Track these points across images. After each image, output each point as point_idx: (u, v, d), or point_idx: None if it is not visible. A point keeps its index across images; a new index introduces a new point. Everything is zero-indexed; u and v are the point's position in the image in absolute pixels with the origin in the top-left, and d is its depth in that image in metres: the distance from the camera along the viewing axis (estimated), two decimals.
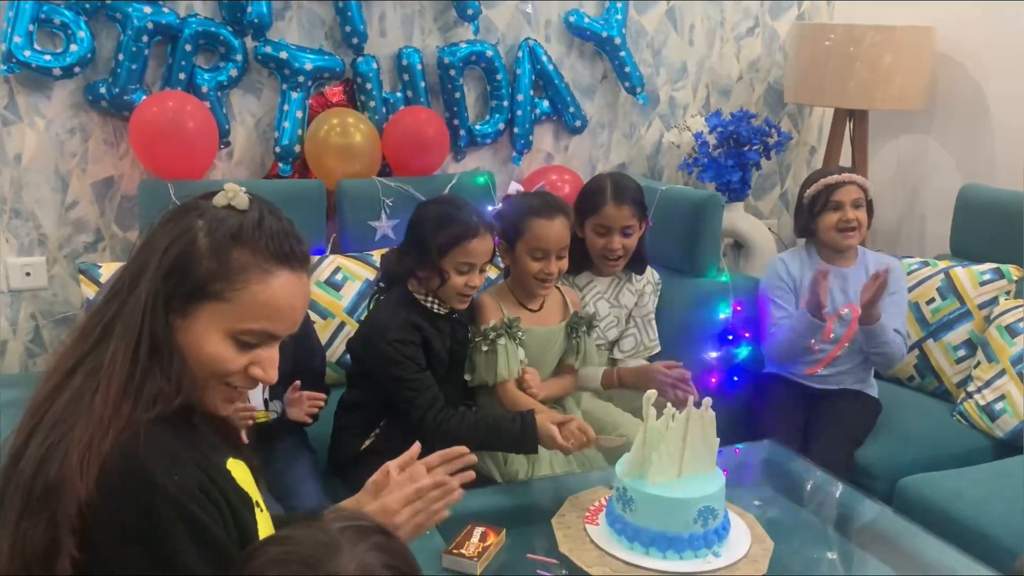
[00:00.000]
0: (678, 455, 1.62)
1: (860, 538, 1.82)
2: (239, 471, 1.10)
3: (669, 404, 1.63)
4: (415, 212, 1.96)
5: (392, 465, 1.36)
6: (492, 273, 2.55)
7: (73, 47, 2.40)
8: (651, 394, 1.59)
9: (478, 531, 1.59)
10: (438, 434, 1.80)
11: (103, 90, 2.47)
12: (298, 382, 1.88)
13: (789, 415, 2.33)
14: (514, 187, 2.37)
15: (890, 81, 2.85)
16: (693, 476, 1.62)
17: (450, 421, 1.82)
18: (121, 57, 2.45)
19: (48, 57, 2.38)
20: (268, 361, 1.05)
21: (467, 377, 1.98)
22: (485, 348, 1.94)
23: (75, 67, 2.41)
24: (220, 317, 1.00)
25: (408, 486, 1.28)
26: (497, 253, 2.00)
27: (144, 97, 2.47)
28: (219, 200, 1.03)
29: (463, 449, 1.44)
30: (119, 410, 0.95)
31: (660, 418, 1.61)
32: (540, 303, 2.05)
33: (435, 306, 1.92)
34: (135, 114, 2.42)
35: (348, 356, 2.08)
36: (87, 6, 2.40)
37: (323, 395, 1.91)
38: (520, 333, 1.97)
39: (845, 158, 3.17)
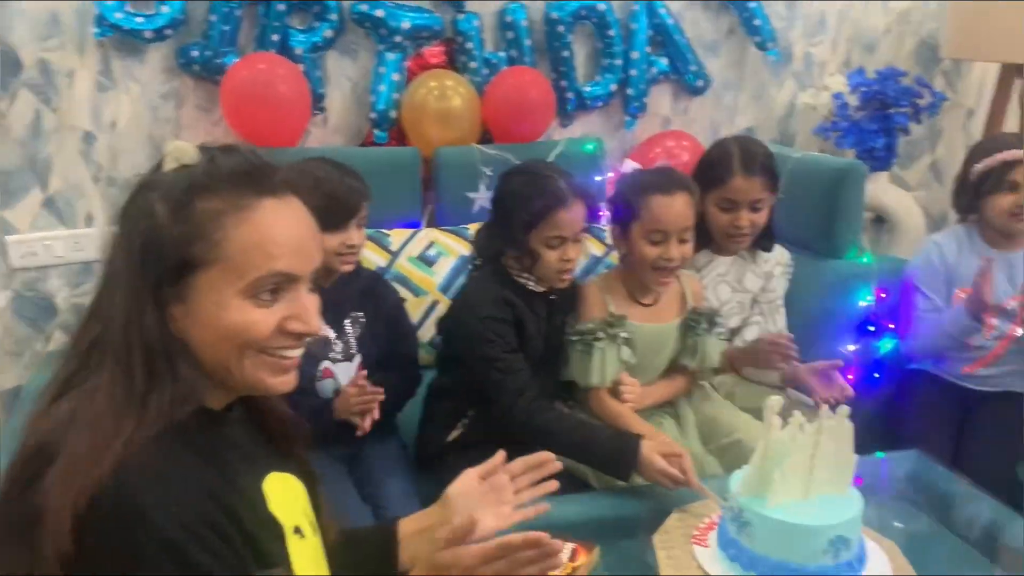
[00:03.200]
0: (806, 473, 1.37)
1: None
2: (281, 488, 0.94)
3: (796, 412, 1.37)
4: (498, 185, 1.78)
5: (473, 474, 1.17)
6: (597, 250, 2.35)
7: (164, 8, 2.30)
8: (775, 401, 1.35)
9: (568, 548, 1.39)
10: (527, 427, 1.62)
11: (195, 53, 2.37)
12: (364, 371, 1.72)
13: (940, 421, 2.03)
14: (629, 165, 2.14)
15: None
16: (824, 498, 1.37)
17: (543, 415, 1.64)
18: (213, 18, 2.34)
19: (140, 19, 2.30)
20: (303, 309, 0.89)
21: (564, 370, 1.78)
22: (580, 348, 1.73)
23: (166, 29, 2.31)
24: (220, 282, 0.85)
25: (490, 543, 1.01)
26: (611, 240, 1.79)
27: (236, 60, 2.36)
28: (167, 164, 0.87)
29: (548, 456, 1.26)
30: (120, 427, 0.80)
31: (786, 427, 1.36)
32: (655, 296, 1.81)
33: (531, 283, 1.74)
34: (226, 78, 2.32)
35: (439, 337, 1.92)
36: None
37: (380, 390, 1.71)
38: (624, 334, 1.74)
39: (1011, 122, 2.76)
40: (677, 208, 1.70)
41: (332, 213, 1.64)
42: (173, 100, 2.45)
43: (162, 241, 0.84)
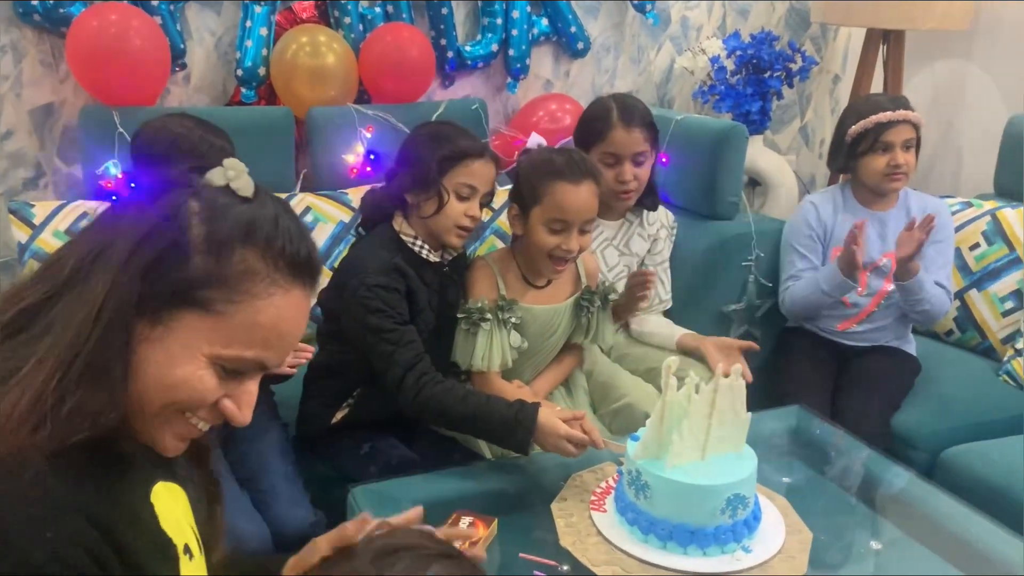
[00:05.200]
0: (703, 433, 1.36)
1: (905, 522, 1.58)
2: (168, 501, 0.84)
3: (691, 372, 1.36)
4: (410, 134, 1.70)
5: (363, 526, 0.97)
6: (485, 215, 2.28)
7: None
8: (671, 361, 1.33)
9: (465, 521, 1.34)
10: (418, 401, 1.53)
11: (35, 2, 2.14)
12: None
13: (818, 376, 2.07)
14: (535, 140, 2.06)
15: None
16: (720, 458, 1.37)
17: (434, 387, 1.54)
18: None
19: None
20: (247, 397, 0.81)
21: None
22: (465, 328, 1.65)
23: None
24: (205, 333, 0.76)
25: None
26: (507, 219, 1.71)
27: (83, 10, 2.14)
28: (215, 177, 0.79)
29: (470, 534, 1.24)
30: (18, 433, 0.69)
31: (682, 388, 1.35)
32: (548, 279, 1.74)
33: (424, 251, 1.64)
34: (72, 29, 2.11)
35: (319, 310, 1.80)
36: None
37: (310, 347, 1.62)
38: (513, 319, 1.66)
39: (876, 85, 2.86)
40: (583, 197, 1.61)
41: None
42: (11, 53, 2.22)
43: (179, 261, 0.75)
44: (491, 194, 1.65)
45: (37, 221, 1.97)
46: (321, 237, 2.17)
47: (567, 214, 1.60)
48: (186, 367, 0.76)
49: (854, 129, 2.08)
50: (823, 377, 2.08)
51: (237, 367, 0.78)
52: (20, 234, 1.97)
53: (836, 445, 1.76)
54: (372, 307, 1.55)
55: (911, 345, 2.18)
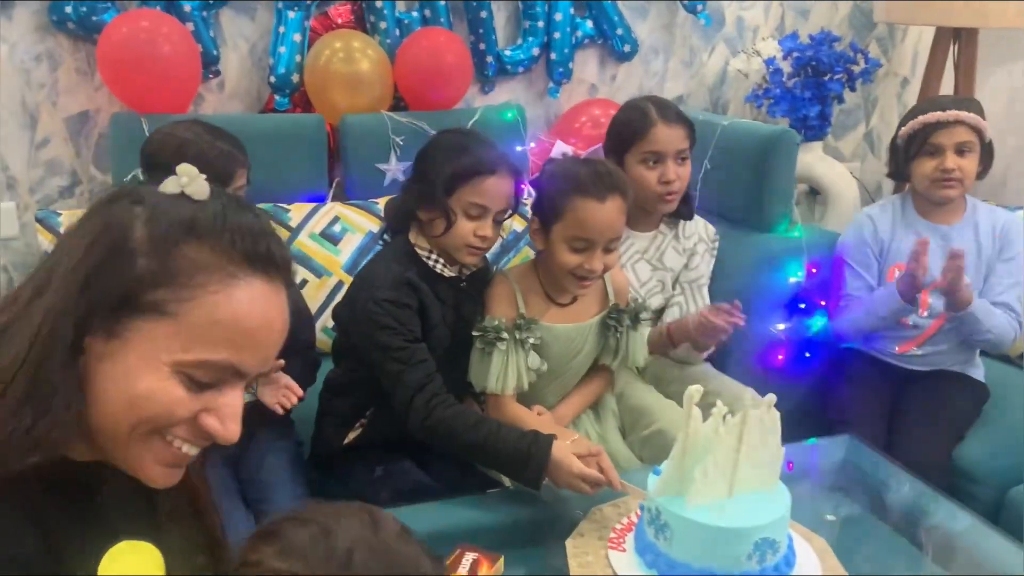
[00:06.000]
0: (729, 469, 1.24)
1: (960, 566, 1.43)
2: (131, 561, 0.75)
3: (719, 402, 1.24)
4: (427, 142, 1.61)
5: None
6: (519, 225, 2.19)
7: None
8: (694, 390, 1.21)
9: (468, 558, 1.25)
10: (427, 424, 1.45)
11: (69, 9, 2.13)
12: (282, 361, 1.54)
13: (873, 402, 1.92)
14: (560, 150, 1.96)
15: None
16: (748, 496, 1.25)
17: (445, 410, 1.46)
18: None
19: None
20: (229, 410, 0.74)
21: None
22: (481, 347, 1.56)
23: None
24: (162, 340, 0.70)
25: None
26: (530, 233, 1.62)
27: (115, 17, 2.13)
28: (168, 186, 0.74)
29: None
30: None
31: (707, 420, 1.23)
32: (574, 296, 1.63)
33: (439, 265, 1.56)
34: (103, 37, 2.09)
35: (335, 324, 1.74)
36: None
37: (299, 390, 1.54)
38: (532, 340, 1.56)
39: (946, 88, 2.67)
40: (608, 216, 1.49)
41: None
42: (47, 62, 2.22)
43: (123, 265, 0.70)
44: (507, 210, 1.56)
45: (63, 230, 1.95)
46: (349, 247, 2.10)
47: (590, 233, 1.49)
48: (147, 379, 0.70)
49: (904, 131, 1.93)
50: (879, 404, 1.92)
51: (206, 375, 0.72)
52: (45, 243, 1.96)
53: (889, 480, 1.62)
54: (381, 323, 1.47)
55: (978, 370, 2.01)
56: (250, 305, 0.72)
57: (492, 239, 1.55)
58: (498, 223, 1.55)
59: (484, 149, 1.52)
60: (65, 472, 0.72)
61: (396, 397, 1.48)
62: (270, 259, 0.74)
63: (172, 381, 0.71)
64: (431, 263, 1.55)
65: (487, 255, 1.67)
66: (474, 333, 1.56)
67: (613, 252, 1.54)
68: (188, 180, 0.74)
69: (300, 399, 1.56)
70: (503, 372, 1.54)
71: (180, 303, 0.70)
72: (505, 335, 1.53)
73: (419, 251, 1.56)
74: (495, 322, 1.54)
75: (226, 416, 0.74)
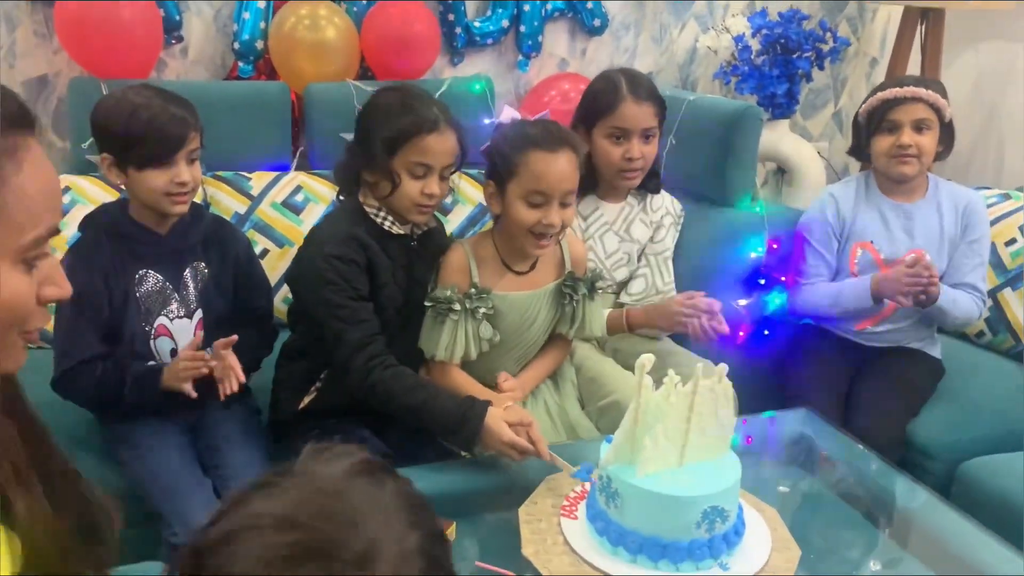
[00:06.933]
0: (680, 438, 1.25)
1: (911, 539, 1.46)
2: None
3: (671, 371, 1.24)
4: (365, 103, 1.59)
5: None
6: (473, 203, 2.18)
7: None
8: (646, 359, 1.21)
9: None
10: (365, 384, 1.46)
11: None
12: (235, 337, 1.52)
13: (831, 377, 1.93)
14: (508, 113, 1.96)
15: None
16: (698, 466, 1.26)
17: (384, 371, 1.46)
18: None
19: None
20: (55, 271, 0.76)
21: None
22: (432, 315, 1.56)
23: None
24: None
25: None
26: (484, 199, 1.61)
27: None
28: None
29: None
30: None
31: (659, 389, 1.23)
32: (531, 263, 1.63)
33: (387, 223, 1.55)
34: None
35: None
36: None
37: (242, 375, 1.51)
38: (484, 309, 1.56)
39: (913, 67, 2.69)
40: (561, 167, 1.50)
41: (155, 145, 1.44)
42: (4, 24, 2.17)
43: None
44: (452, 165, 1.55)
45: None
46: (312, 217, 2.08)
47: (545, 184, 1.49)
48: (4, 283, 0.70)
49: (863, 108, 1.94)
50: (836, 379, 1.94)
51: (38, 249, 0.72)
52: None
53: (843, 453, 1.63)
54: (327, 278, 1.47)
55: (935, 347, 2.03)
56: (45, 166, 0.73)
57: (440, 195, 1.54)
58: (444, 179, 1.54)
59: (422, 106, 1.50)
60: None
61: (337, 355, 1.48)
62: (31, 117, 0.74)
63: (15, 272, 0.71)
64: (379, 220, 1.55)
65: (440, 215, 1.67)
66: (426, 303, 1.56)
67: (569, 207, 1.54)
68: None
69: (243, 385, 1.55)
70: (452, 341, 1.55)
71: None
72: (457, 306, 1.53)
73: (368, 209, 1.55)
74: (447, 292, 1.54)
75: (59, 277, 0.76)
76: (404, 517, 0.60)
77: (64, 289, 0.76)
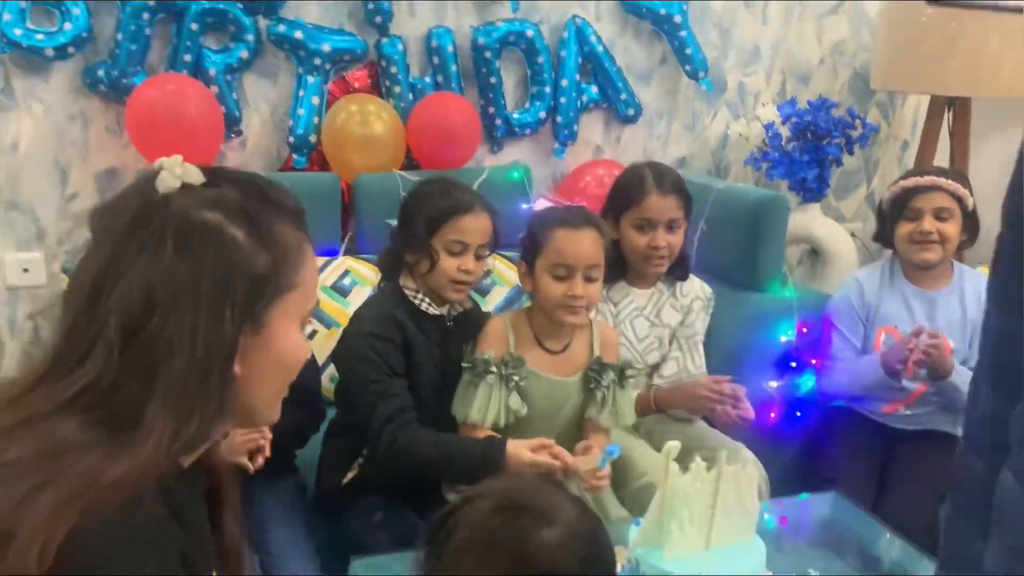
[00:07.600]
0: (706, 522, 1.30)
1: None
2: None
3: (698, 458, 1.30)
4: (408, 191, 1.76)
5: None
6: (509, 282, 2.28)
7: (67, 25, 2.20)
8: (671, 446, 1.28)
9: None
10: (392, 451, 1.55)
11: (101, 73, 2.27)
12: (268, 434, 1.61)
13: (863, 460, 1.97)
14: (542, 203, 2.08)
15: (998, 64, 2.42)
16: (725, 550, 1.30)
17: (407, 434, 1.56)
18: (120, 37, 2.24)
19: (40, 36, 2.19)
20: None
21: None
22: (468, 379, 1.65)
23: (69, 47, 2.21)
24: (294, 308, 0.84)
25: None
26: (519, 279, 1.74)
27: (144, 80, 2.26)
28: (166, 182, 0.78)
29: None
30: (113, 462, 0.71)
31: (685, 475, 1.29)
32: (565, 344, 1.71)
33: (425, 303, 1.67)
34: (131, 99, 2.22)
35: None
36: None
37: (268, 432, 1.59)
38: (517, 378, 1.64)
39: (942, 154, 2.75)
40: (583, 243, 1.62)
41: None
42: (80, 121, 2.35)
43: (247, 265, 0.78)
44: (487, 245, 1.68)
45: None
46: (358, 300, 2.17)
47: (568, 258, 1.61)
48: (291, 340, 0.83)
49: (887, 197, 2.01)
50: (867, 463, 1.96)
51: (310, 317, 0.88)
52: None
53: (874, 538, 1.65)
54: (363, 355, 1.59)
55: None
56: (312, 256, 0.87)
57: (475, 273, 1.66)
58: (479, 258, 1.67)
59: (460, 192, 1.67)
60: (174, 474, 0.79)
61: (369, 428, 1.57)
62: (304, 212, 0.87)
63: (299, 332, 0.85)
64: (417, 302, 1.67)
65: (479, 297, 1.77)
66: (463, 364, 1.65)
67: (594, 282, 1.64)
68: (182, 171, 0.79)
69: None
70: (486, 405, 1.62)
71: (297, 272, 0.82)
72: (494, 368, 1.62)
73: (407, 291, 1.67)
74: (485, 356, 1.63)
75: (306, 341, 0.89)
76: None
77: (308, 350, 0.91)
